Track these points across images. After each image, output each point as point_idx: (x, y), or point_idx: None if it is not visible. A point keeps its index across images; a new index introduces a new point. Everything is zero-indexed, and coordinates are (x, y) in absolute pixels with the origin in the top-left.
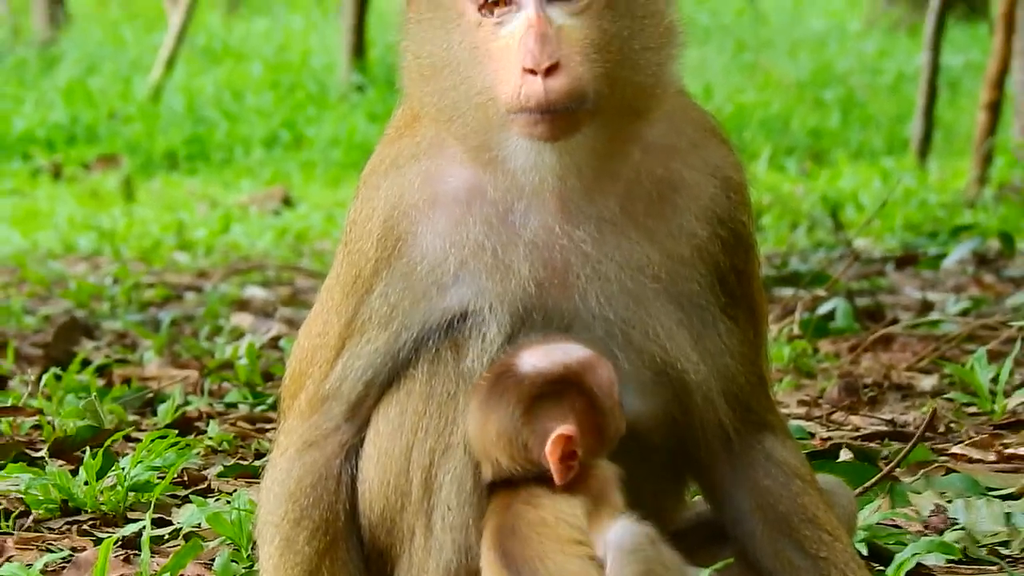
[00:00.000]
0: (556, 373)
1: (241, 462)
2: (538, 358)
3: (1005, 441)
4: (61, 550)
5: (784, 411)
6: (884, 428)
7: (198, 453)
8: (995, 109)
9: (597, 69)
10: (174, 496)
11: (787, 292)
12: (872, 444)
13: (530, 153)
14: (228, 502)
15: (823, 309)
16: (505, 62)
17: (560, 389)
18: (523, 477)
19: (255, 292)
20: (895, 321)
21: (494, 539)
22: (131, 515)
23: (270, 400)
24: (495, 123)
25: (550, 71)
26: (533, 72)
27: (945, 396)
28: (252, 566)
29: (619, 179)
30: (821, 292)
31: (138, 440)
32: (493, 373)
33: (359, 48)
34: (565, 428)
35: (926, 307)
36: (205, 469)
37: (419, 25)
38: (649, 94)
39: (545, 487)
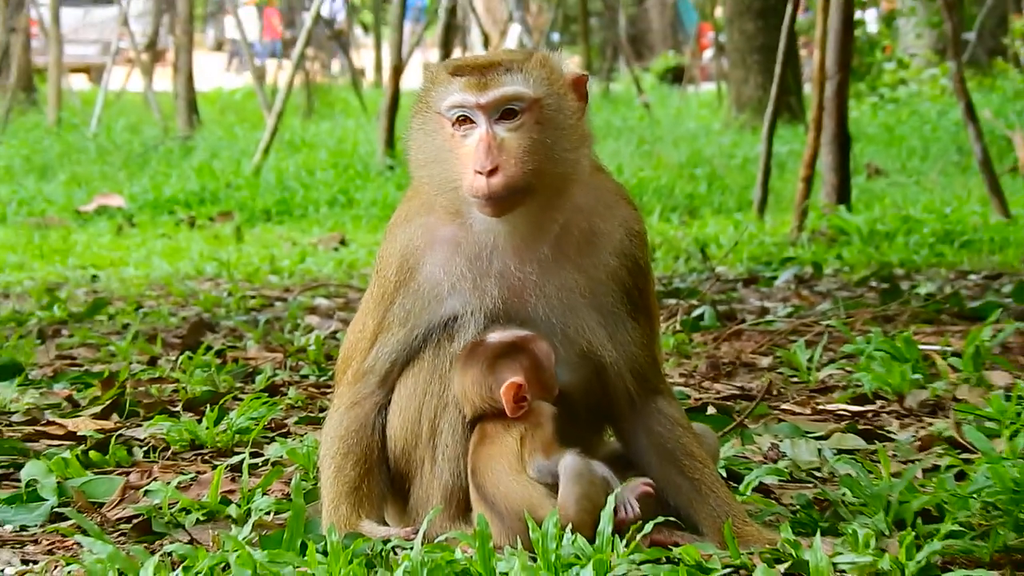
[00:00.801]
0: (510, 342)
1: (310, 414)
2: (498, 334)
3: (817, 401)
4: (189, 473)
5: (670, 380)
6: (736, 392)
7: (281, 408)
8: (809, 181)
9: (528, 167)
10: (265, 437)
11: (671, 302)
12: (728, 403)
13: (485, 221)
14: (301, 441)
15: (696, 313)
16: (466, 163)
17: (513, 352)
18: (490, 415)
19: (320, 301)
20: (743, 321)
21: (471, 477)
22: (236, 450)
23: (329, 373)
24: (462, 200)
25: (492, 172)
26: (480, 172)
27: (777, 371)
28: (316, 484)
29: (551, 232)
30: (694, 302)
31: (242, 400)
32: (469, 344)
33: (390, 141)
34: (516, 377)
35: (764, 312)
36: (286, 419)
37: (418, 131)
38: (568, 180)
39: (500, 426)
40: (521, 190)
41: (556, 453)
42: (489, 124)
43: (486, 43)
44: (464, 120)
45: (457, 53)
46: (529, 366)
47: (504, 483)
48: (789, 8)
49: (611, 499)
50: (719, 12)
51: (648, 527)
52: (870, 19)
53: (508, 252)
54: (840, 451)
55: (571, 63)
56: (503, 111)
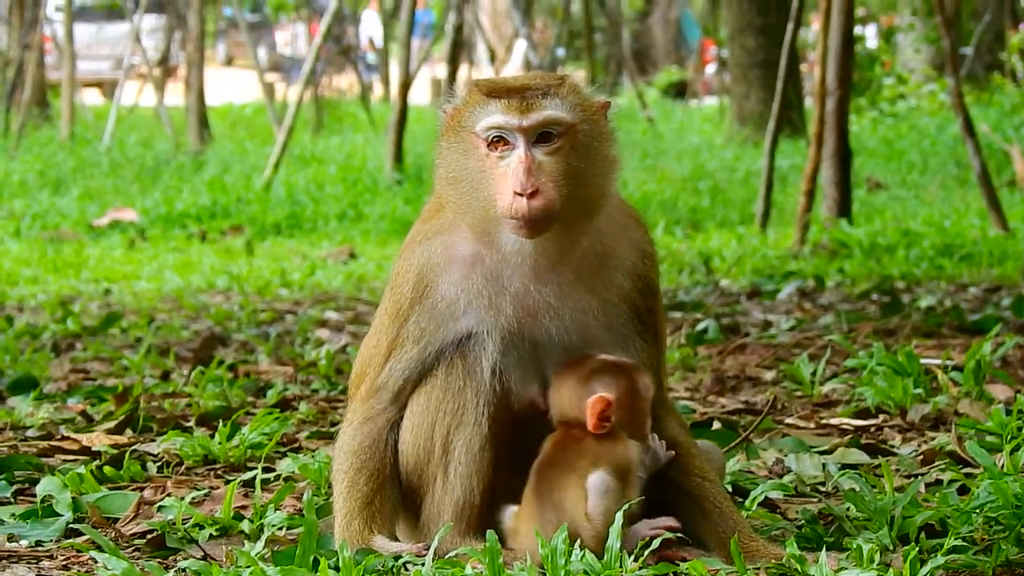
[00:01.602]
0: (613, 362)
1: (321, 429)
2: (606, 355)
3: (821, 415)
4: (203, 488)
5: (674, 395)
6: (741, 407)
7: (293, 423)
8: (811, 195)
9: (563, 191)
10: (277, 452)
11: (676, 315)
12: (733, 417)
13: (515, 242)
14: (313, 457)
15: (700, 326)
16: (503, 184)
17: (614, 372)
18: (576, 425)
19: (331, 315)
20: (747, 334)
21: (540, 465)
22: (249, 465)
23: (341, 388)
24: (493, 220)
25: (532, 195)
26: (520, 194)
27: (781, 385)
28: (328, 500)
29: (573, 255)
30: (698, 315)
31: (254, 414)
32: (576, 357)
33: (399, 155)
34: (605, 393)
35: (767, 325)
36: (297, 434)
37: (448, 149)
38: (596, 204)
39: (590, 440)
40: (557, 213)
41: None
42: (528, 147)
43: (492, 59)
44: (500, 141)
45: (464, 69)
46: (625, 391)
47: (564, 490)
48: (790, 25)
49: (619, 515)
50: (722, 29)
51: (656, 543)
52: (870, 35)
53: (529, 273)
54: (844, 465)
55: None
56: (540, 135)
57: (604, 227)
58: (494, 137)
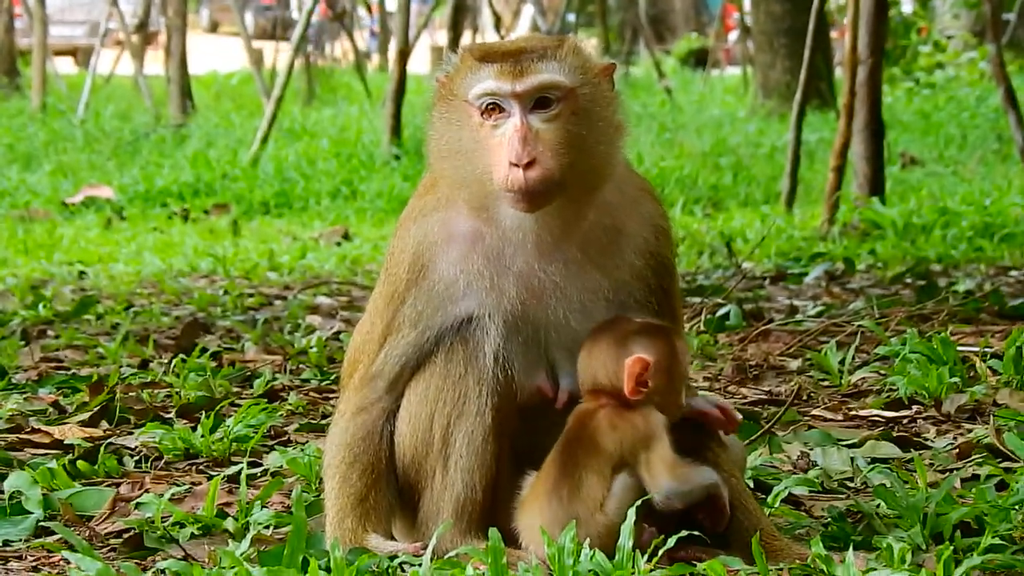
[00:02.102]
0: (652, 324)
1: (312, 421)
2: (642, 317)
3: (849, 406)
4: (184, 484)
5: (693, 385)
6: (764, 397)
7: (281, 415)
8: (840, 171)
9: (564, 160)
10: (264, 446)
11: (695, 300)
12: (756, 408)
13: (515, 217)
14: (302, 450)
15: (721, 312)
16: (498, 155)
17: (653, 333)
18: (608, 394)
19: (323, 300)
20: (771, 320)
21: (565, 440)
22: (234, 459)
23: (333, 377)
24: (491, 195)
25: (529, 165)
26: (516, 165)
27: (807, 374)
28: (319, 496)
29: (579, 230)
30: (719, 300)
31: (239, 405)
32: (610, 320)
33: (397, 129)
34: (646, 354)
35: (793, 310)
36: (286, 426)
37: (441, 120)
38: (602, 175)
39: (606, 422)
40: (557, 184)
41: (683, 470)
42: (523, 114)
43: (497, 25)
44: (495, 109)
45: (467, 35)
46: (665, 354)
47: (586, 474)
48: None
49: (631, 512)
50: None
51: (671, 542)
52: None
53: (532, 251)
54: (874, 460)
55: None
56: (537, 100)
57: (614, 201)
58: (487, 104)
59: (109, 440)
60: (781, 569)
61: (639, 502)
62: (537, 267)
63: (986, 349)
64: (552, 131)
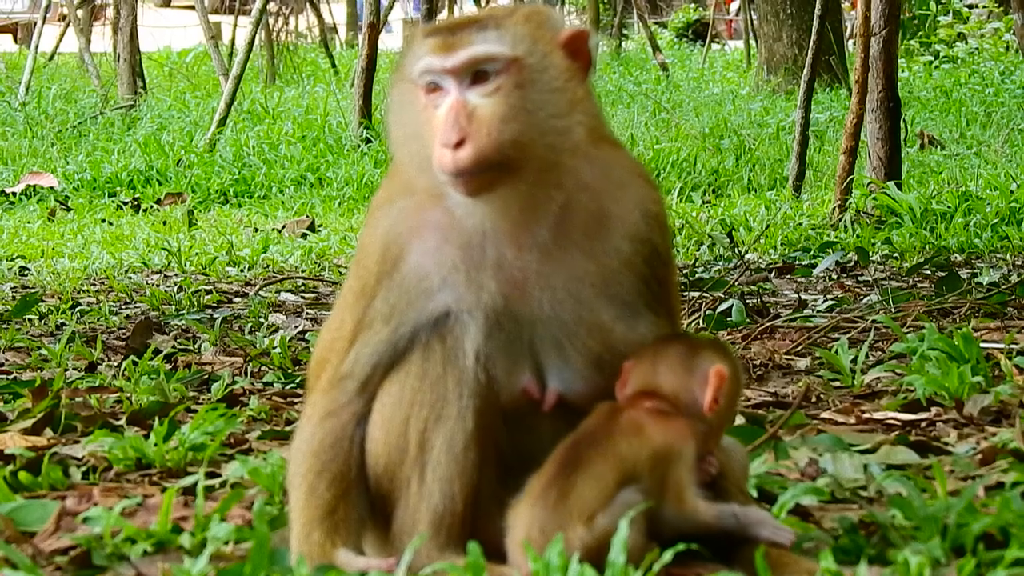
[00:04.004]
0: (715, 339)
1: (275, 428)
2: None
3: (863, 408)
4: (135, 497)
5: None
6: (769, 399)
7: (242, 421)
8: (852, 153)
9: (502, 138)
10: (223, 455)
11: (694, 294)
12: (760, 411)
13: (466, 204)
14: (265, 459)
15: (722, 307)
16: (435, 136)
17: (721, 351)
18: (662, 398)
19: (287, 296)
20: (777, 316)
21: (575, 435)
22: (190, 469)
23: (298, 380)
24: (441, 180)
25: (458, 145)
26: (447, 146)
27: (816, 374)
28: (283, 509)
29: (548, 214)
30: (720, 294)
31: (195, 411)
32: (666, 336)
33: (367, 110)
34: (723, 367)
35: (801, 305)
36: (247, 434)
37: (396, 104)
38: (557, 151)
39: (654, 421)
40: (496, 165)
41: (694, 504)
42: (459, 90)
43: None
44: (436, 88)
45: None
46: (735, 376)
47: (589, 480)
48: None
49: (623, 523)
50: None
51: (667, 556)
52: None
53: (502, 239)
54: (889, 466)
55: (572, 20)
56: (475, 75)
57: (598, 183)
58: (428, 83)
59: (54, 449)
60: None
61: (632, 513)
62: (511, 257)
63: (1012, 346)
64: (490, 106)
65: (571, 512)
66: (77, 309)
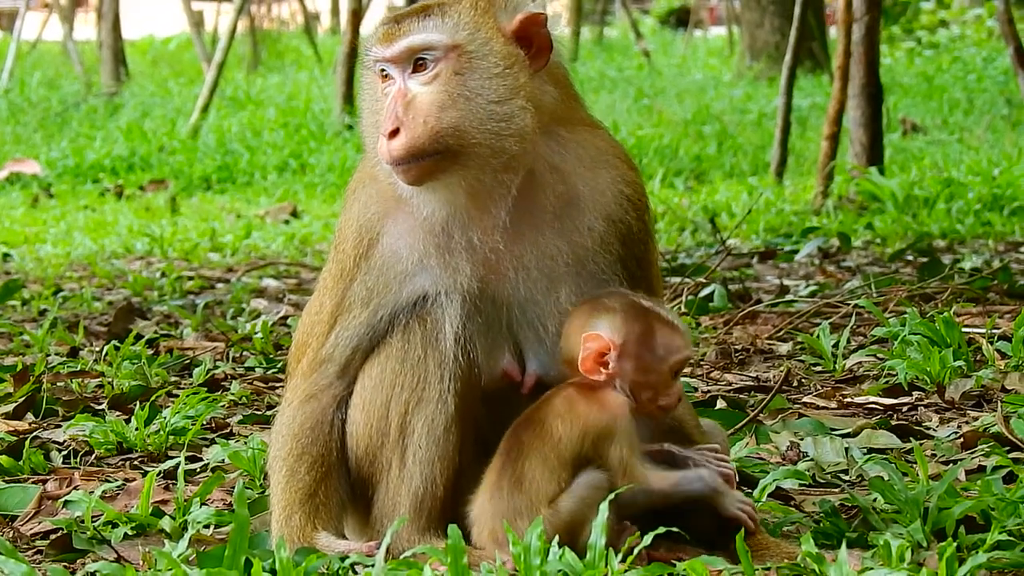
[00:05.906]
0: (643, 306)
1: (256, 412)
2: (640, 296)
3: (844, 392)
4: (116, 480)
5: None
6: (750, 383)
7: (223, 406)
8: (835, 139)
9: (440, 125)
10: (204, 439)
11: (676, 279)
12: (741, 395)
13: (414, 192)
14: (245, 443)
15: (704, 292)
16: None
17: (632, 315)
18: (576, 370)
19: (269, 282)
20: (759, 301)
21: (516, 423)
22: (171, 453)
23: (279, 365)
24: (385, 169)
25: (393, 134)
26: (384, 135)
27: (797, 359)
28: (264, 492)
29: (503, 197)
30: (702, 279)
31: (177, 396)
32: (605, 291)
33: (349, 96)
34: (607, 334)
35: (783, 290)
36: (228, 418)
37: (362, 91)
38: (501, 135)
39: (579, 397)
40: (431, 152)
41: (640, 472)
42: (402, 79)
43: None
44: (387, 75)
45: None
46: (636, 338)
47: (533, 461)
48: None
49: (603, 507)
50: None
51: (647, 539)
52: None
53: (465, 223)
54: (870, 450)
55: (535, 5)
56: (416, 63)
57: (567, 165)
58: (380, 71)
59: (35, 433)
60: (768, 569)
61: (610, 497)
62: (480, 239)
63: (993, 330)
64: (428, 95)
65: (530, 497)
66: (60, 295)
